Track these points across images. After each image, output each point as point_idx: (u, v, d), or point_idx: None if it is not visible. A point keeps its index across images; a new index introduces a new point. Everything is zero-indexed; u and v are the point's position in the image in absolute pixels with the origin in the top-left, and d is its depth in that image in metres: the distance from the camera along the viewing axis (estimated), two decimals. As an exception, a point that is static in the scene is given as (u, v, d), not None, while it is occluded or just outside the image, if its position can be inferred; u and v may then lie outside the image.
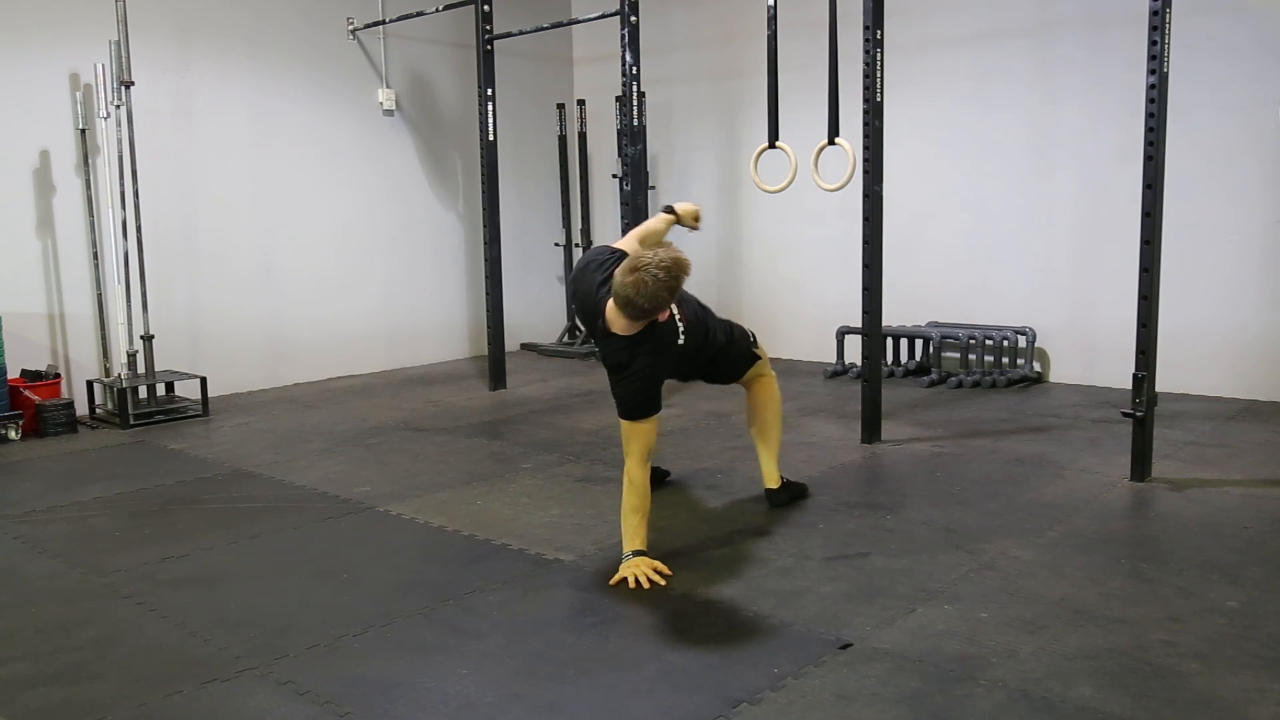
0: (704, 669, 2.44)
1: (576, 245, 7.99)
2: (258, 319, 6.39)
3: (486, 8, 6.02)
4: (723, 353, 3.56)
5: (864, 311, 4.53)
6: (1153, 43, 3.66)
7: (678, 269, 2.96)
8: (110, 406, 5.60)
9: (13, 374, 5.33)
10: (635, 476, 3.06)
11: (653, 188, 7.54)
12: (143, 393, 5.54)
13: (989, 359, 6.02)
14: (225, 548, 3.43)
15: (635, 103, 5.48)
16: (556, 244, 8.07)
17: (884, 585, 2.92)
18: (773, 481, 3.70)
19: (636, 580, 2.95)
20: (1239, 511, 3.52)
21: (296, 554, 3.38)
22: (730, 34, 7.12)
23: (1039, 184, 5.91)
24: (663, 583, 2.96)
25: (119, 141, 5.43)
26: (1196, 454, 4.28)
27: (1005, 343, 5.92)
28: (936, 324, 6.28)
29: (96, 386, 5.67)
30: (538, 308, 8.00)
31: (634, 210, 5.44)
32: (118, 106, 5.40)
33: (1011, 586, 2.89)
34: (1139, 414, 3.84)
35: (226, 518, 3.76)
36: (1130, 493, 3.78)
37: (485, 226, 6.20)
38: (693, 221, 3.73)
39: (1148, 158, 3.71)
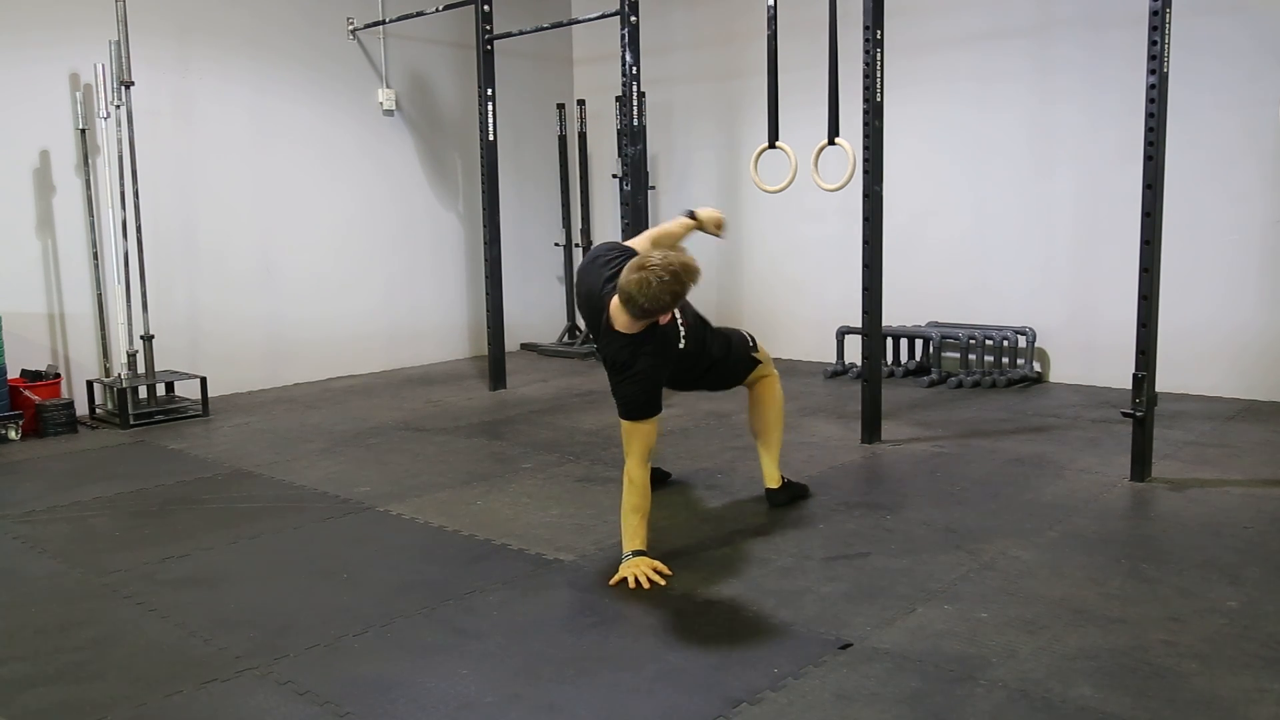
0: (704, 669, 2.44)
1: (576, 245, 7.99)
2: (258, 319, 6.39)
3: (486, 8, 6.02)
4: (718, 365, 3.52)
5: (864, 311, 4.53)
6: (1153, 43, 3.66)
7: (685, 274, 2.93)
8: (110, 406, 5.60)
9: (13, 374, 5.33)
10: (635, 476, 3.06)
11: (653, 188, 7.55)
12: (143, 393, 5.54)
13: (989, 359, 6.02)
14: (225, 548, 3.43)
15: (635, 103, 5.48)
16: (556, 244, 8.07)
17: (884, 585, 2.92)
18: (773, 481, 3.70)
19: (636, 580, 2.95)
20: (1239, 511, 3.52)
21: (296, 554, 3.38)
22: (730, 34, 7.12)
23: (1039, 184, 5.91)
24: (663, 583, 2.96)
25: (119, 141, 5.43)
26: (1196, 454, 4.28)
27: (1005, 343, 5.92)
28: (936, 324, 6.28)
29: (96, 386, 5.67)
30: (538, 308, 8.00)
31: (634, 210, 5.44)
32: (118, 106, 5.40)
33: (1011, 586, 2.89)
34: (1139, 414, 3.84)
35: (226, 518, 3.76)
36: (1130, 493, 3.78)
37: (485, 226, 6.20)
38: (715, 228, 3.66)
39: (1148, 158, 3.71)
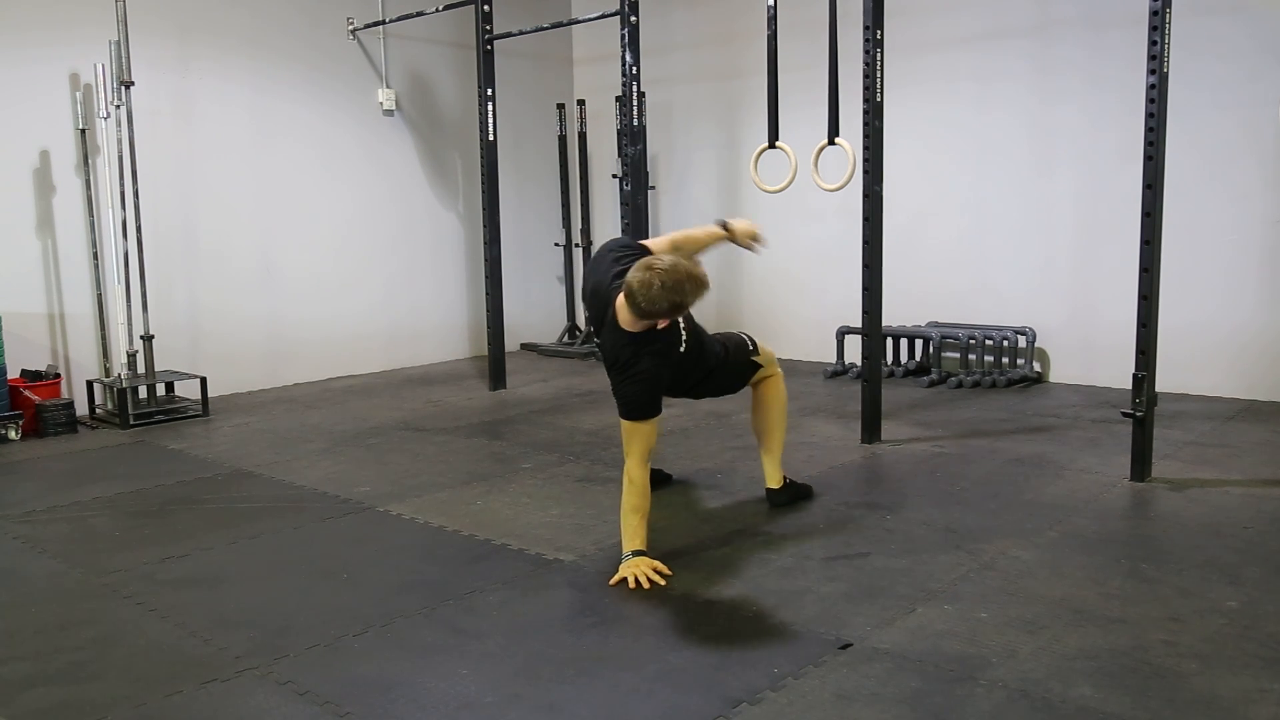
0: (704, 669, 2.44)
1: (576, 245, 7.99)
2: (258, 319, 6.39)
3: (486, 8, 6.02)
4: (716, 373, 3.48)
5: (864, 311, 4.53)
6: (1153, 43, 3.66)
7: (689, 285, 2.88)
8: (110, 406, 5.60)
9: (13, 374, 5.33)
10: (635, 476, 3.05)
11: (653, 188, 7.55)
12: (143, 393, 5.54)
13: (989, 359, 6.02)
14: (225, 548, 3.43)
15: (635, 103, 5.48)
16: (556, 244, 8.08)
17: (884, 585, 2.92)
18: (774, 481, 3.69)
19: (636, 580, 2.94)
20: (1239, 511, 3.52)
21: (296, 554, 3.38)
22: (730, 34, 7.12)
23: (1039, 184, 5.91)
24: (663, 583, 2.95)
25: (119, 141, 5.43)
26: (1196, 454, 4.28)
27: (1005, 343, 5.92)
28: (936, 324, 6.28)
29: (96, 386, 5.67)
30: (538, 308, 8.00)
31: (634, 210, 5.44)
32: (118, 106, 5.40)
33: (1011, 586, 2.89)
34: (1139, 414, 3.84)
35: (226, 518, 3.76)
36: (1130, 493, 3.78)
37: (485, 226, 6.20)
38: (749, 241, 3.53)
39: (1148, 158, 3.71)
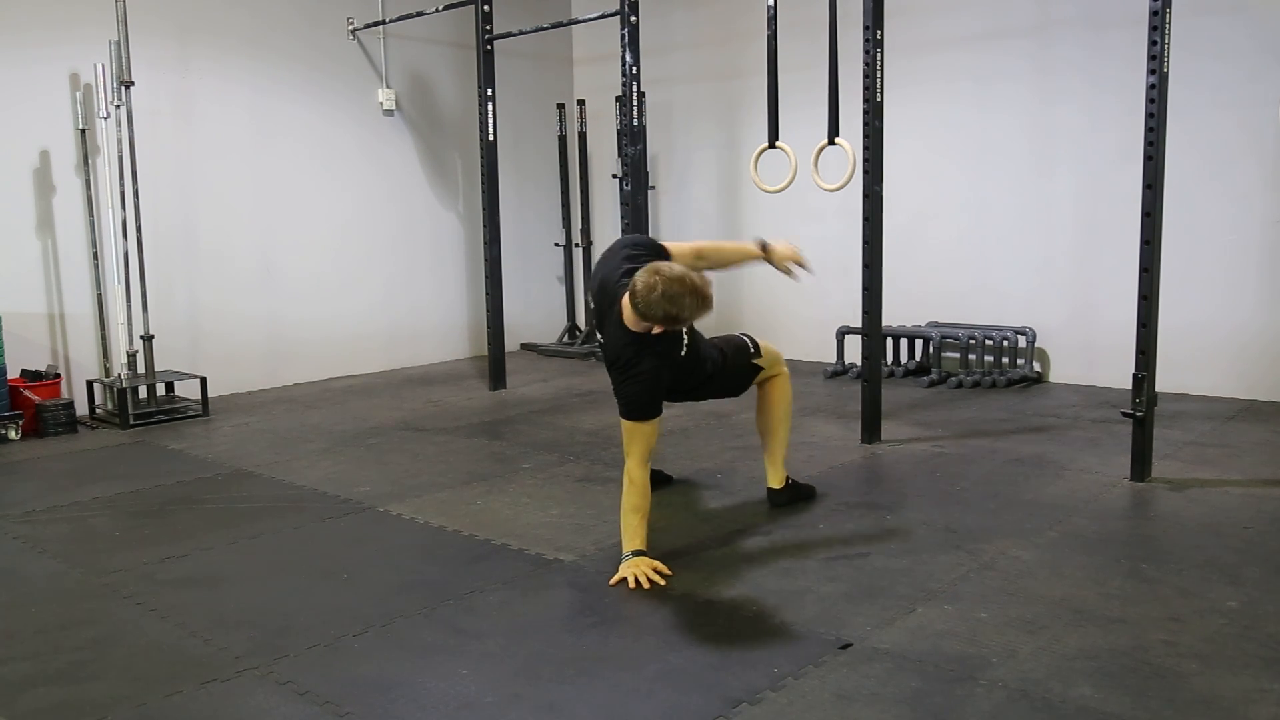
0: (704, 669, 2.44)
1: (576, 245, 7.99)
2: (258, 319, 6.39)
3: (486, 8, 6.02)
4: (715, 378, 3.47)
5: (864, 311, 4.53)
6: (1153, 43, 3.66)
7: (690, 300, 2.82)
8: (110, 406, 5.60)
9: (13, 374, 5.33)
10: (635, 476, 3.05)
11: (653, 188, 7.55)
12: (143, 393, 5.54)
13: (989, 359, 6.02)
14: (225, 548, 3.43)
15: (635, 103, 5.48)
16: (556, 244, 8.07)
17: (884, 585, 2.92)
18: (775, 481, 3.68)
19: (636, 580, 2.94)
20: (1239, 511, 3.52)
21: (296, 554, 3.38)
22: (730, 34, 7.12)
23: (1039, 184, 5.91)
24: (663, 583, 2.95)
25: (119, 141, 5.43)
26: (1196, 454, 4.28)
27: (1005, 343, 5.92)
28: (936, 324, 6.28)
29: (96, 386, 5.67)
30: (538, 308, 8.00)
31: (634, 210, 5.44)
32: (118, 106, 5.40)
33: (1011, 586, 2.89)
34: (1139, 414, 3.84)
35: (226, 518, 3.76)
36: (1130, 493, 3.78)
37: (485, 226, 6.20)
38: (788, 266, 3.41)
39: (1148, 158, 3.71)
